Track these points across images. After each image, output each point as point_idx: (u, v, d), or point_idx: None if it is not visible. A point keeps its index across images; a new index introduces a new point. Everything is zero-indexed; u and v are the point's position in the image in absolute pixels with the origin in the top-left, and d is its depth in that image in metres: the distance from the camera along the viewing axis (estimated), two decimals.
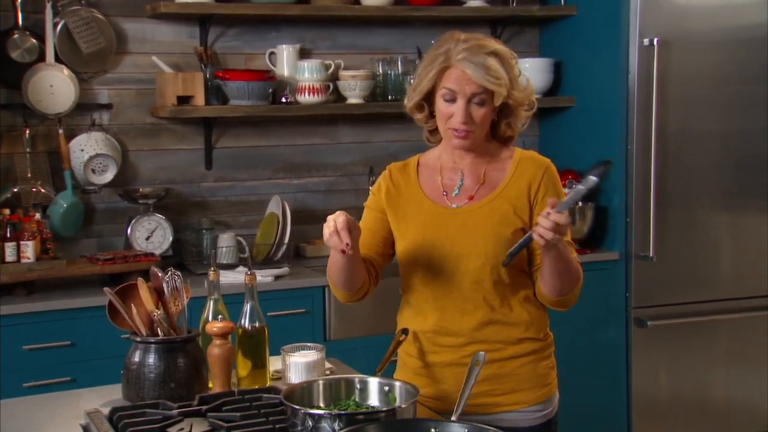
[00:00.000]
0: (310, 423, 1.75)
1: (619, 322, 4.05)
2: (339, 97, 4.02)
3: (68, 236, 3.69)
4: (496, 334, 2.16)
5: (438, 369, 2.20)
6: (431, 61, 2.14)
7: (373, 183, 4.03)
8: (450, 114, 2.12)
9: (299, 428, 1.77)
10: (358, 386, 1.98)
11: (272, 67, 3.98)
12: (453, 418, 1.84)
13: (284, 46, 3.97)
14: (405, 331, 2.24)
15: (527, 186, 2.18)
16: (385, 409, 1.85)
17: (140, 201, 3.76)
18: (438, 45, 2.15)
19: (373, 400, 1.96)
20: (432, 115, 2.21)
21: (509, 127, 2.20)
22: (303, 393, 1.94)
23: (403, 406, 1.84)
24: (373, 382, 1.98)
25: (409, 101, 2.23)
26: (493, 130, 2.22)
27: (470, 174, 2.23)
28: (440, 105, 2.14)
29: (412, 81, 2.25)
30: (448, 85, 2.11)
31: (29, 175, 3.64)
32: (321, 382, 1.99)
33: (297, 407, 1.79)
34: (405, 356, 2.28)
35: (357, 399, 1.96)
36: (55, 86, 3.60)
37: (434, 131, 2.27)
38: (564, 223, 1.93)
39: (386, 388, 1.95)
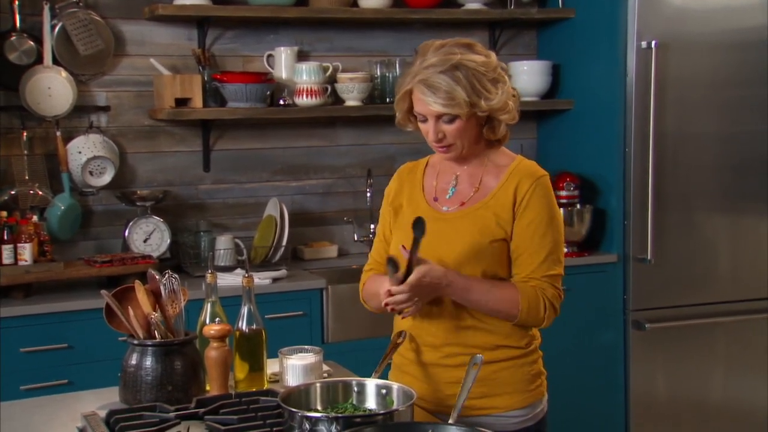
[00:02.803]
0: (308, 426, 1.75)
1: (617, 324, 4.05)
2: (337, 99, 4.02)
3: (66, 239, 3.69)
4: (471, 338, 2.16)
5: (417, 367, 2.22)
6: (403, 79, 2.14)
7: (371, 186, 4.06)
8: (426, 132, 2.14)
9: (296, 431, 1.76)
10: (355, 389, 1.98)
11: (270, 70, 3.98)
12: (450, 420, 1.84)
13: (282, 48, 3.97)
14: (402, 334, 2.24)
15: (513, 197, 2.15)
16: (382, 412, 1.85)
17: (138, 203, 3.75)
18: (414, 57, 2.15)
19: (371, 402, 1.96)
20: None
21: (492, 131, 2.18)
22: (300, 396, 1.94)
23: (400, 408, 1.84)
24: (371, 385, 1.97)
25: (396, 116, 2.23)
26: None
27: (466, 179, 2.23)
28: (418, 123, 2.17)
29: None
30: (416, 107, 2.13)
31: (27, 178, 3.64)
32: (318, 384, 1.99)
33: (294, 410, 1.79)
34: (396, 355, 2.30)
35: (354, 402, 1.96)
36: (52, 88, 3.59)
37: None
38: (404, 299, 2.02)
39: (383, 391, 1.95)
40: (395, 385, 1.95)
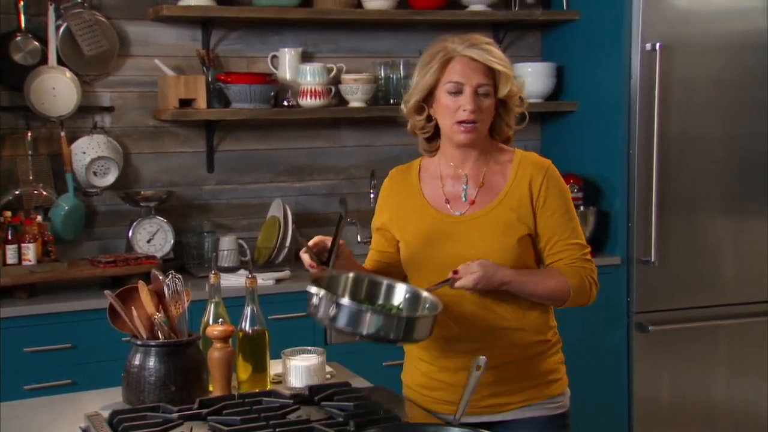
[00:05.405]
0: (328, 304, 1.85)
1: (621, 326, 4.04)
2: (341, 100, 4.02)
3: (69, 239, 3.69)
4: (502, 338, 2.17)
5: (450, 374, 2.20)
6: (429, 60, 2.16)
7: (375, 187, 4.06)
8: (456, 107, 2.13)
9: (320, 314, 1.87)
10: (384, 288, 2.06)
11: (274, 71, 3.98)
12: (456, 419, 1.84)
13: (286, 49, 3.98)
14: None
15: (528, 191, 2.18)
16: (405, 315, 1.95)
17: (142, 204, 3.76)
18: (431, 49, 2.18)
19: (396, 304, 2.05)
20: (430, 118, 2.21)
21: (508, 126, 2.23)
22: (330, 282, 2.00)
23: (424, 314, 1.94)
24: (400, 288, 2.06)
25: (407, 103, 2.23)
26: (492, 130, 2.23)
27: (471, 179, 2.23)
28: (445, 100, 2.15)
29: (406, 88, 2.27)
30: (454, 77, 2.13)
31: (31, 178, 3.64)
32: (351, 275, 2.06)
33: (323, 292, 1.86)
34: (417, 361, 2.29)
35: (382, 301, 2.04)
36: (57, 89, 3.60)
37: (431, 138, 2.26)
38: (471, 286, 2.04)
39: (410, 296, 2.02)
40: (423, 293, 2.02)
